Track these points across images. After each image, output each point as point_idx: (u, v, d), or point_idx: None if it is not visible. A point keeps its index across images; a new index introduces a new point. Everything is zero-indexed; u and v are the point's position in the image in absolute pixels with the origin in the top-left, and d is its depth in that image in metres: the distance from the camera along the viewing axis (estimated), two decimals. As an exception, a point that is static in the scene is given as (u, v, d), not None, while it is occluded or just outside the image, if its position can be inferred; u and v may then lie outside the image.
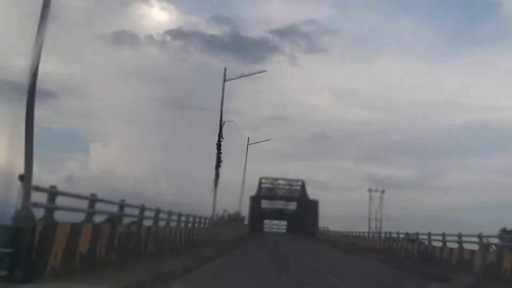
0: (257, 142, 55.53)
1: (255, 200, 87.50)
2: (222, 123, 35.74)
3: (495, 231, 27.62)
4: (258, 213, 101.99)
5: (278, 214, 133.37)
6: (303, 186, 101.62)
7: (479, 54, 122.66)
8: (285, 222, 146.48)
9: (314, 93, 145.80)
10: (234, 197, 59.91)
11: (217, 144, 35.61)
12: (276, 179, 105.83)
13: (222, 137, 35.70)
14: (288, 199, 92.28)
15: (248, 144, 55.76)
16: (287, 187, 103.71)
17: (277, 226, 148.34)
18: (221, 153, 35.60)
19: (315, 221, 77.30)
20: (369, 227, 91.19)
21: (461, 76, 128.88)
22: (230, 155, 49.26)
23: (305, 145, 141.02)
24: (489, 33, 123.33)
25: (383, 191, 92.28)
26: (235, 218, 75.37)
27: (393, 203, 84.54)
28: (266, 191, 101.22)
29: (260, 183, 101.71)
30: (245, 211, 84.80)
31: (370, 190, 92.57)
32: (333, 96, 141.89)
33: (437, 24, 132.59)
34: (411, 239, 28.41)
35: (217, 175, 35.17)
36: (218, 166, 35.20)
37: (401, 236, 32.45)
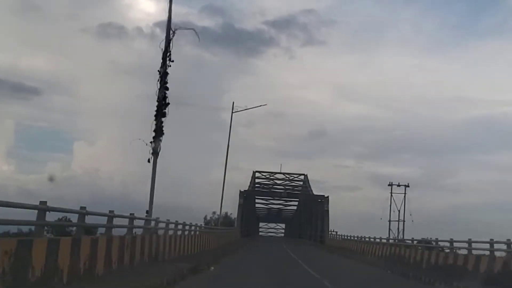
0: (245, 109, 38.75)
1: (248, 197, 69.77)
2: (171, 32, 18.29)
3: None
4: (251, 214, 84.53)
5: (275, 216, 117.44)
6: (305, 181, 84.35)
7: (484, 46, 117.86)
8: (283, 225, 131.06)
9: (312, 87, 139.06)
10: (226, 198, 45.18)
11: (159, 71, 18.22)
12: (273, 173, 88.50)
13: (170, 60, 18.29)
14: (288, 195, 74.10)
15: (232, 112, 39.02)
16: (287, 182, 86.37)
17: (274, 230, 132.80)
18: (167, 88, 18.24)
19: (324, 223, 59.64)
20: (390, 230, 74.93)
21: (465, 70, 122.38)
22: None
23: (302, 142, 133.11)
24: (494, 24, 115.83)
25: (407, 186, 75.55)
26: (215, 223, 60.39)
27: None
28: (261, 187, 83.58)
29: (253, 177, 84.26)
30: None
31: (390, 184, 75.91)
32: (332, 91, 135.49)
33: (439, 15, 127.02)
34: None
35: (158, 131, 17.77)
36: (160, 113, 17.81)
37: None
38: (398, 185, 75.01)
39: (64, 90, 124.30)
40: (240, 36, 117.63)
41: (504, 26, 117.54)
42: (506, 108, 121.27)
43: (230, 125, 40.13)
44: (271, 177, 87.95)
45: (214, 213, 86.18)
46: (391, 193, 74.99)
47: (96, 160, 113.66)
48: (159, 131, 18.10)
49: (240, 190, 63.49)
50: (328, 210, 59.99)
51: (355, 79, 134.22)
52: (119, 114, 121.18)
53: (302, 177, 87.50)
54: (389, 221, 74.30)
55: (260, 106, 45.98)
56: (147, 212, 18.38)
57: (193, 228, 25.97)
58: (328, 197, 61.85)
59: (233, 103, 42.09)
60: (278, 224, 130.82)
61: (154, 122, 18.09)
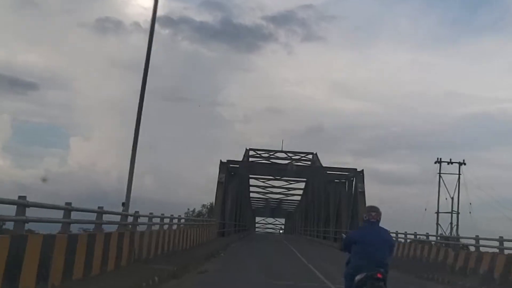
0: None
1: (238, 176, 43.61)
2: None
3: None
4: (244, 202, 58.24)
5: (274, 210, 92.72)
6: (316, 160, 58.29)
7: (480, 42, 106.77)
8: (283, 220, 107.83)
9: (309, 83, 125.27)
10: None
11: None
12: (272, 152, 62.41)
13: None
14: (297, 172, 47.28)
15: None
16: (292, 162, 60.23)
17: (272, 226, 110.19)
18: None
19: (359, 213, 33.07)
20: (438, 225, 48.60)
21: (462, 66, 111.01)
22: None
23: (300, 138, 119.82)
24: (491, 21, 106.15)
25: (463, 163, 49.49)
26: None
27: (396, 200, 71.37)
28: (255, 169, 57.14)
29: (246, 156, 58.15)
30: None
31: (438, 162, 49.76)
32: (329, 87, 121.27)
33: (436, 12, 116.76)
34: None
35: None
36: None
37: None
38: (450, 163, 49.31)
39: (61, 85, 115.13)
40: (239, 31, 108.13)
41: (500, 22, 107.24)
42: (502, 104, 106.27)
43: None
44: (271, 156, 61.95)
45: (203, 206, 68.84)
46: (440, 173, 49.24)
47: (92, 155, 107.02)
48: None
49: (221, 160, 37.16)
50: (364, 192, 33.83)
51: (352, 75, 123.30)
52: (115, 109, 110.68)
53: (310, 156, 61.76)
54: (437, 213, 48.61)
55: None
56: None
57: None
58: (362, 171, 35.63)
59: None
60: (277, 219, 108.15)
61: None
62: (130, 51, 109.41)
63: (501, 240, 14.45)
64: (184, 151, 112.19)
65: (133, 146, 14.44)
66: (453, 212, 47.28)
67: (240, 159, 50.68)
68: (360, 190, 33.76)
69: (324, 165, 49.79)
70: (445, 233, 44.84)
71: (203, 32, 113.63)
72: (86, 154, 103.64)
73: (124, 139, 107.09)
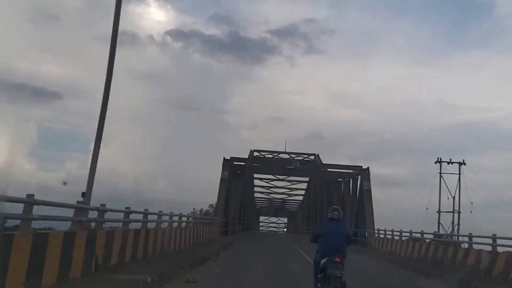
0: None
1: (243, 175, 42.22)
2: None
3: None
4: (248, 200, 56.77)
5: (277, 209, 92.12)
6: (318, 161, 56.85)
7: (470, 56, 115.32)
8: (285, 220, 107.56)
9: (311, 93, 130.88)
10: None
11: None
12: (276, 153, 61.02)
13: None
14: (300, 172, 45.73)
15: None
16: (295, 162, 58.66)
17: (275, 225, 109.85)
18: None
19: (366, 211, 31.58)
20: (439, 224, 46.94)
21: (451, 78, 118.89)
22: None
23: (301, 144, 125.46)
24: (480, 35, 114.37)
25: (462, 163, 47.99)
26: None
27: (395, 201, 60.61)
28: (260, 167, 55.68)
29: (251, 157, 56.74)
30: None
31: (439, 161, 48.30)
32: (329, 96, 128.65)
33: (430, 27, 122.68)
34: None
35: None
36: None
37: None
38: (450, 162, 47.93)
39: (83, 94, 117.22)
40: (245, 44, 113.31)
41: (487, 37, 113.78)
42: (486, 114, 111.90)
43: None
44: (274, 157, 60.48)
45: (210, 206, 69.70)
46: (440, 173, 48.05)
47: (112, 160, 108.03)
48: None
49: (224, 158, 35.86)
50: (370, 190, 32.38)
51: (350, 86, 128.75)
52: (132, 117, 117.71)
53: (312, 157, 60.32)
54: (439, 212, 47.52)
55: None
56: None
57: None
58: (368, 168, 34.18)
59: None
60: (280, 218, 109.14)
61: None
62: (146, 63, 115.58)
63: (470, 236, 17.16)
64: (194, 155, 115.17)
65: (98, 130, 14.27)
66: (455, 211, 45.95)
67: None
68: (366, 188, 32.38)
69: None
70: (446, 231, 43.56)
71: (212, 44, 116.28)
72: (105, 158, 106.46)
73: (140, 144, 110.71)
